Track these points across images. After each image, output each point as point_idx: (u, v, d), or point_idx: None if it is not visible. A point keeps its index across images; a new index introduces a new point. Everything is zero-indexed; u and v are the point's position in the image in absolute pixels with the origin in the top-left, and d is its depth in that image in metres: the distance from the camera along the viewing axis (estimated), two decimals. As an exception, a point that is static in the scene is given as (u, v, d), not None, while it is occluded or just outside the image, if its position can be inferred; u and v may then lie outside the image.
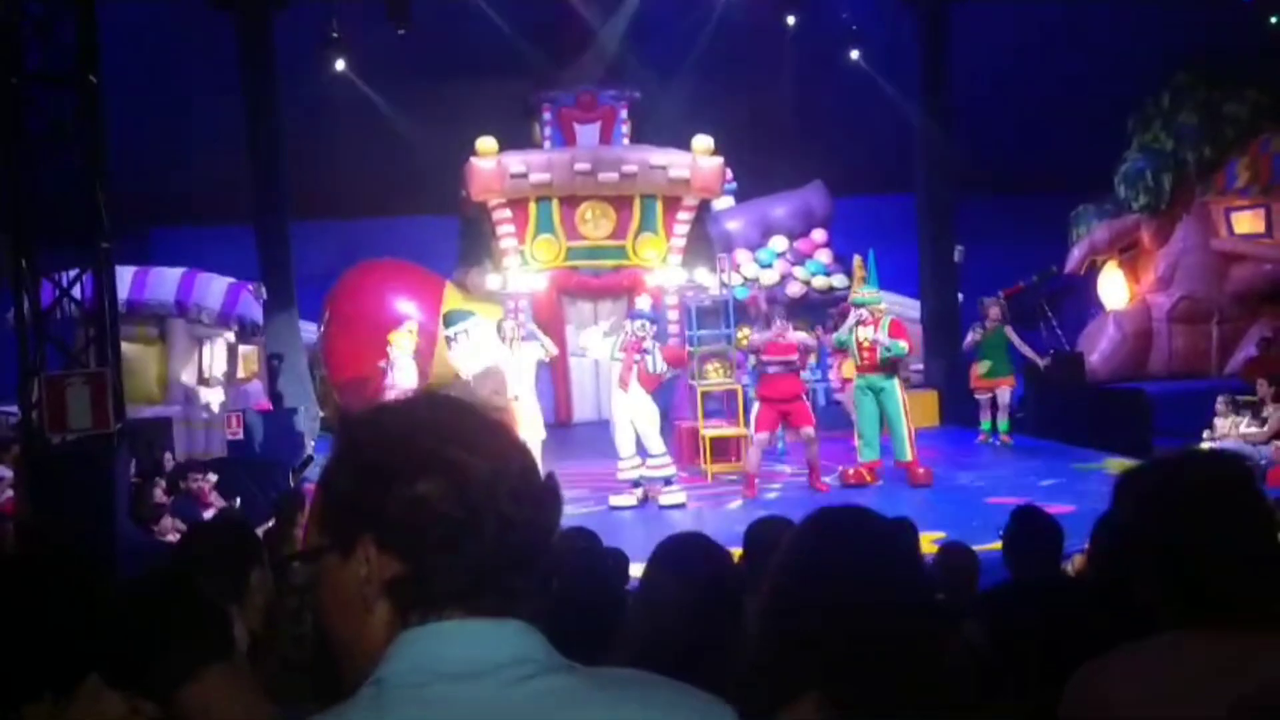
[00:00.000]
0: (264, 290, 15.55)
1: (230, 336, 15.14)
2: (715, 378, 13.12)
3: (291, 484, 11.69)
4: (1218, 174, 18.04)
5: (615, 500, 11.24)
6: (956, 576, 5.03)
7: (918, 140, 17.88)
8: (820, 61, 19.39)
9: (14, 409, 10.66)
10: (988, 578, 5.10)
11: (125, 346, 11.42)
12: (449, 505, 1.16)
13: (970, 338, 14.34)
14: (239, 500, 11.24)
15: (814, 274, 18.82)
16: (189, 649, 1.93)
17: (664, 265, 17.73)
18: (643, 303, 12.17)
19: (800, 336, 11.81)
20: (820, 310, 17.35)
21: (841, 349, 12.07)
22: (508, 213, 17.59)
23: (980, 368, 14.18)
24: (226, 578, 2.58)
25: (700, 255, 17.99)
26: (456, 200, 18.31)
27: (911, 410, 12.09)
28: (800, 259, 19.06)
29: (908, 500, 10.60)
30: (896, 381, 11.71)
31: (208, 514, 10.15)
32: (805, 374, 12.74)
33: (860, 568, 1.59)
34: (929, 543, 6.75)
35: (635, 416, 11.12)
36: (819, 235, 19.29)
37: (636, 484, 11.32)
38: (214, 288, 14.53)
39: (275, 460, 13.00)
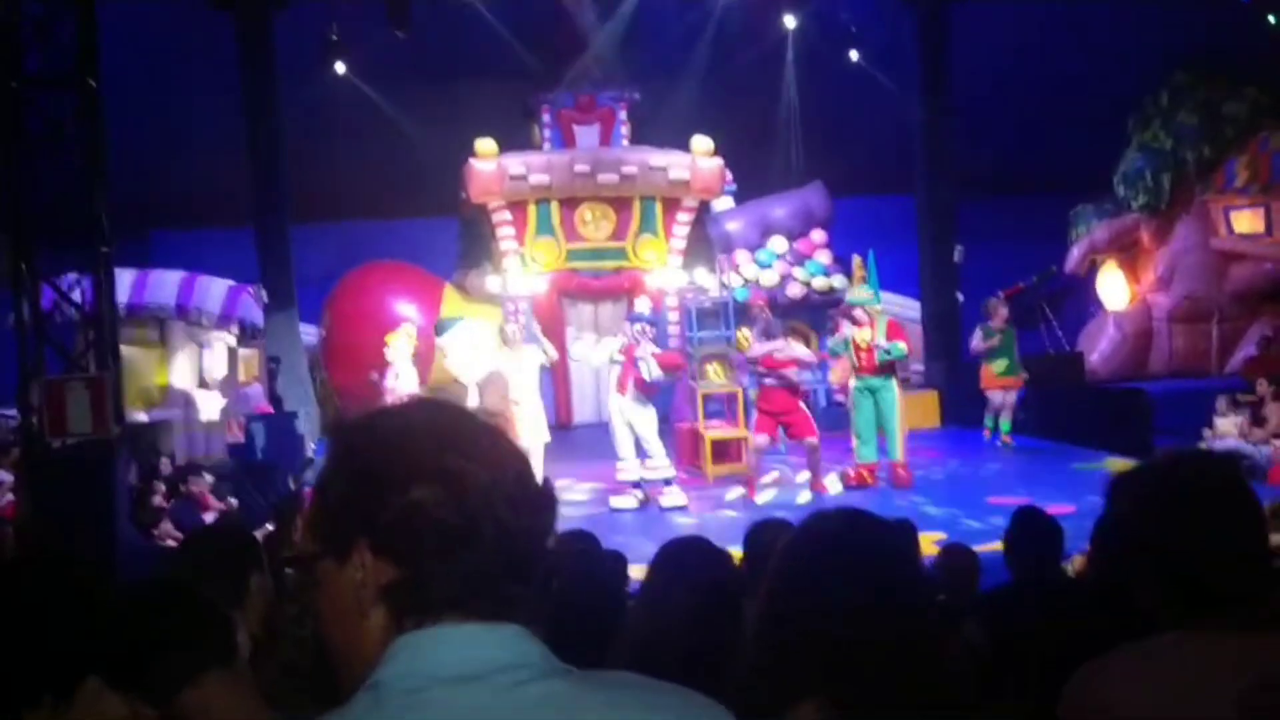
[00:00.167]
0: (264, 293, 15.54)
1: (230, 339, 15.13)
2: (716, 379, 13.09)
3: (292, 487, 11.69)
4: (1217, 173, 18.07)
5: (616, 502, 11.24)
6: (957, 577, 5.03)
7: (917, 140, 17.88)
8: (820, 62, 19.41)
9: (13, 412, 10.66)
10: (988, 578, 5.10)
11: (125, 350, 11.41)
12: (445, 511, 1.15)
13: (981, 340, 14.24)
14: (236, 503, 11.24)
15: (814, 275, 18.81)
16: (190, 653, 1.92)
17: (664, 266, 17.73)
18: (642, 305, 12.16)
19: (798, 352, 11.75)
20: (820, 311, 17.35)
21: (835, 356, 12.04)
22: (507, 214, 17.59)
23: (996, 367, 14.12)
24: (226, 583, 2.58)
25: (700, 256, 18.00)
26: (456, 202, 18.31)
27: (910, 411, 12.05)
28: (800, 260, 19.06)
29: (908, 501, 10.60)
30: (894, 383, 11.70)
31: (208, 518, 10.15)
32: (807, 375, 12.71)
33: (857, 569, 1.58)
34: (930, 544, 6.76)
35: (633, 419, 11.12)
36: (819, 236, 19.28)
37: (637, 485, 11.31)
38: (214, 290, 14.52)
39: (275, 463, 13.00)
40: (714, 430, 12.83)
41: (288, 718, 1.77)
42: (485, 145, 17.27)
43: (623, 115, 18.70)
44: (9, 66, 9.25)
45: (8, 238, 9.31)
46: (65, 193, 9.60)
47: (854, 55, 18.77)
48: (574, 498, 11.48)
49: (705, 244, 18.35)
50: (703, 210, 18.37)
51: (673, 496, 11.19)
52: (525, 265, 17.57)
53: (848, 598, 1.55)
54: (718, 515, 10.80)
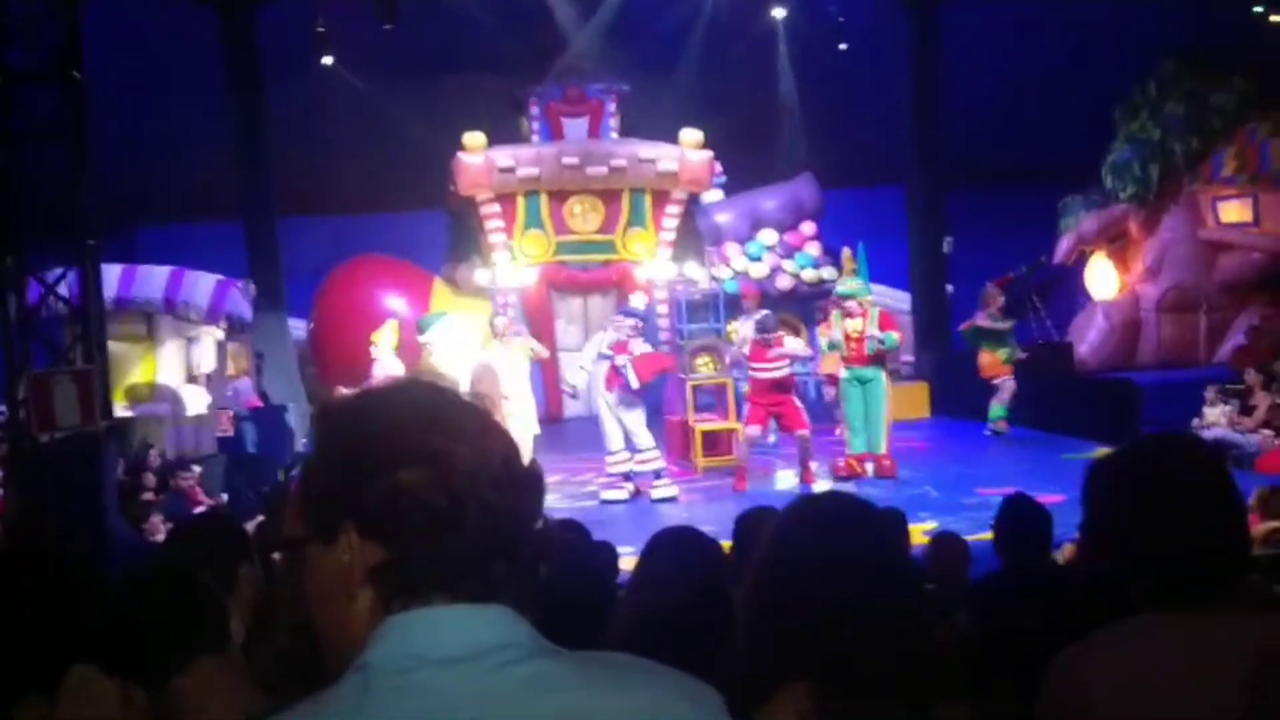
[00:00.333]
0: (253, 287, 15.50)
1: (219, 334, 15.09)
2: (706, 371, 13.09)
3: (281, 480, 11.67)
4: (1205, 163, 18.11)
5: (606, 494, 11.25)
6: (947, 567, 5.04)
7: (907, 132, 17.89)
8: (809, 54, 19.40)
9: (1, 407, 10.62)
10: (979, 568, 5.11)
11: (113, 344, 11.37)
12: (431, 493, 1.15)
13: (988, 321, 14.23)
14: (225, 497, 11.22)
15: (803, 267, 18.83)
16: (184, 639, 1.92)
17: (653, 259, 17.74)
18: (637, 300, 12.15)
19: (791, 348, 11.74)
20: (810, 303, 17.36)
21: (833, 350, 12.03)
22: (496, 207, 17.58)
23: (1000, 354, 14.13)
24: (215, 573, 2.57)
25: (689, 249, 18.01)
26: (444, 195, 18.29)
27: (900, 402, 12.06)
28: (790, 252, 19.08)
29: (898, 491, 10.61)
30: (883, 374, 11.71)
31: (197, 512, 10.12)
32: (798, 367, 12.72)
33: (842, 554, 1.58)
34: (920, 533, 6.76)
35: (620, 414, 11.13)
36: (808, 228, 19.30)
37: (627, 478, 11.31)
38: (202, 285, 14.46)
39: (265, 457, 12.97)
40: (704, 422, 12.84)
41: (281, 704, 1.76)
42: (473, 138, 17.25)
43: (611, 108, 18.70)
44: (-7, 61, 9.21)
45: (-7, 232, 9.27)
46: (51, 187, 9.56)
47: (843, 47, 18.75)
48: (565, 490, 11.49)
49: (695, 236, 18.36)
50: (692, 203, 18.38)
51: (663, 489, 11.20)
52: (514, 258, 17.56)
53: (832, 582, 1.55)
54: (708, 506, 10.81)
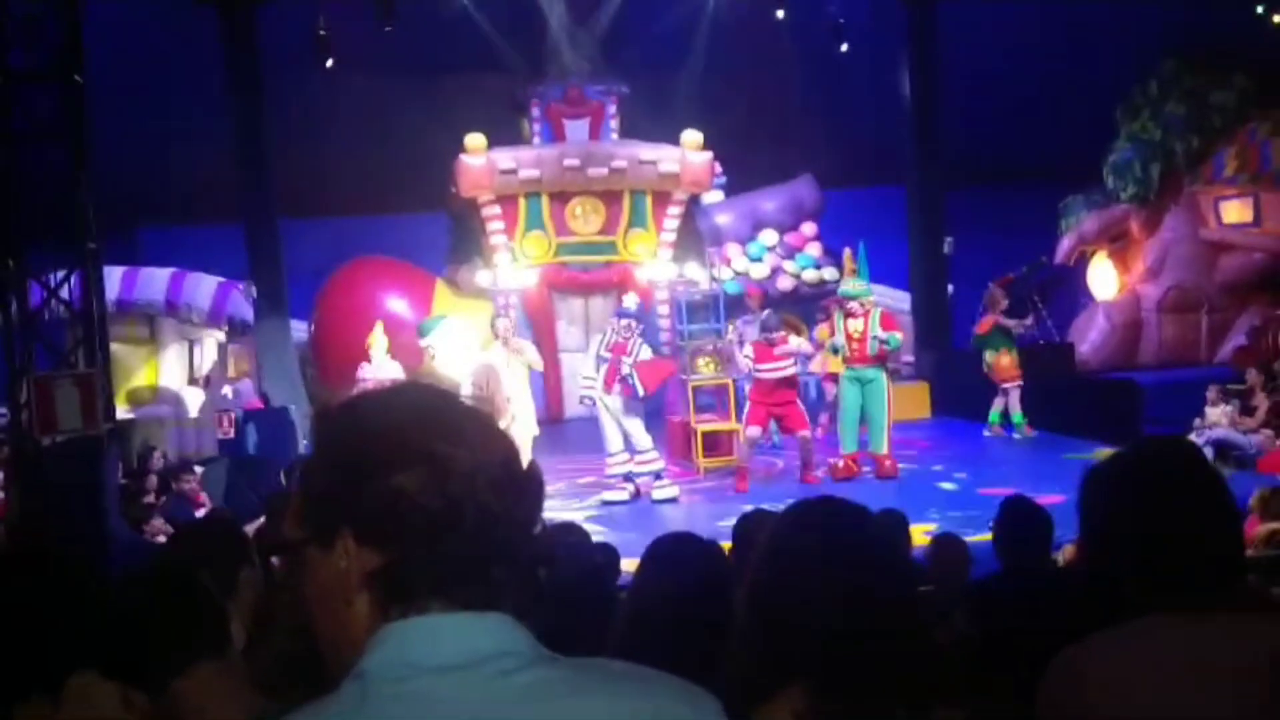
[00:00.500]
0: (254, 289, 15.51)
1: (220, 336, 15.10)
2: (706, 372, 13.09)
3: (283, 482, 11.66)
4: (1206, 163, 18.12)
5: (607, 496, 11.24)
6: (948, 567, 5.04)
7: (907, 132, 17.89)
8: (809, 54, 19.39)
9: (2, 410, 10.63)
10: (979, 569, 5.11)
11: (115, 347, 11.38)
12: (428, 498, 1.14)
13: (995, 319, 14.24)
14: (224, 500, 11.22)
15: (804, 267, 18.83)
16: (184, 642, 1.92)
17: (654, 260, 17.74)
18: (630, 300, 12.12)
19: (794, 346, 11.75)
20: (811, 304, 17.35)
21: (835, 353, 12.02)
22: (497, 209, 17.58)
23: (1004, 359, 14.10)
24: (216, 576, 2.58)
25: (690, 250, 18.01)
26: (446, 197, 18.29)
27: (901, 402, 12.04)
28: (790, 252, 19.08)
29: (897, 492, 10.61)
30: (885, 375, 11.70)
31: (199, 514, 10.13)
32: (797, 368, 12.71)
33: (837, 556, 1.59)
34: (920, 534, 6.76)
35: (620, 416, 11.13)
36: (809, 228, 19.31)
37: (628, 478, 11.31)
38: (203, 287, 14.49)
39: (266, 458, 12.98)
40: (705, 423, 12.84)
41: (281, 708, 1.77)
42: (475, 140, 17.26)
43: (612, 109, 18.70)
44: (-6, 62, 9.21)
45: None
46: (51, 189, 9.56)
47: (843, 48, 18.75)
48: (565, 491, 11.49)
49: (695, 237, 18.36)
50: (693, 204, 18.38)
51: (664, 489, 11.20)
52: (515, 259, 17.56)
53: (828, 584, 1.56)
54: (709, 507, 10.81)
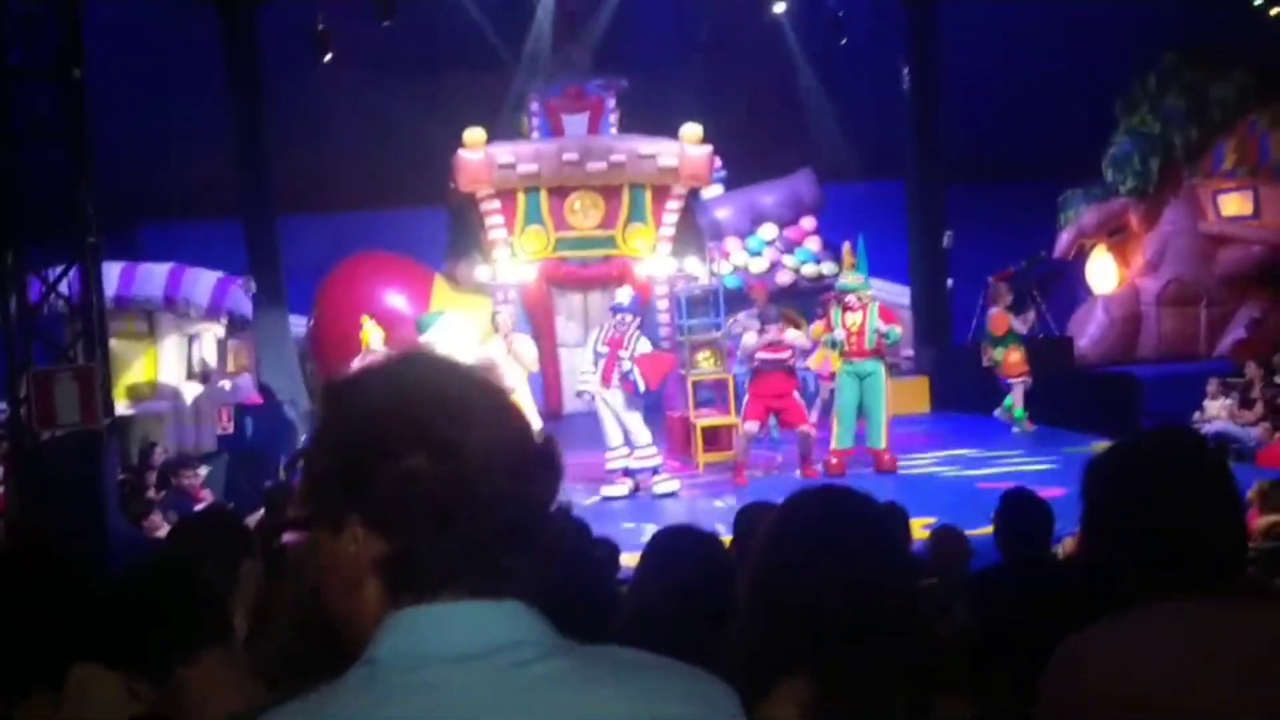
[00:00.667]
0: (253, 284, 15.51)
1: (219, 331, 15.09)
2: (706, 367, 13.09)
3: (282, 477, 11.68)
4: (1205, 156, 18.10)
5: (607, 490, 11.25)
6: (948, 560, 5.05)
7: (906, 126, 17.88)
8: (809, 48, 19.39)
9: (2, 405, 10.62)
10: (979, 562, 5.12)
11: (114, 342, 11.37)
12: (437, 483, 1.09)
13: (1008, 317, 14.28)
14: (224, 495, 11.23)
15: (803, 262, 18.83)
16: (187, 632, 1.93)
17: (653, 255, 17.74)
18: (623, 295, 12.11)
19: (793, 337, 11.76)
20: (810, 298, 17.36)
21: (833, 347, 12.01)
22: (496, 204, 17.58)
23: (1014, 354, 14.12)
24: (217, 569, 2.58)
25: (689, 244, 18.00)
26: (444, 192, 18.28)
27: (901, 397, 12.03)
28: (790, 247, 19.08)
29: (897, 486, 10.60)
30: (883, 368, 11.69)
31: (199, 508, 10.14)
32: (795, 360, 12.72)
33: (840, 546, 1.59)
34: (920, 528, 6.76)
35: (618, 410, 11.14)
36: (808, 223, 19.30)
37: (628, 473, 11.32)
38: (202, 282, 14.46)
39: (266, 452, 12.98)
40: (705, 418, 12.84)
41: (284, 698, 1.77)
42: (473, 135, 17.25)
43: (611, 103, 18.68)
44: (-7, 59, 9.20)
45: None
46: (51, 185, 9.55)
47: (842, 42, 18.73)
48: (565, 486, 11.47)
49: (695, 232, 18.36)
50: (692, 198, 18.37)
51: (664, 483, 11.22)
52: (514, 254, 17.56)
53: (831, 575, 1.56)
54: (708, 502, 10.82)
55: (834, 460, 11.65)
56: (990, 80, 18.26)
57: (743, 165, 19.40)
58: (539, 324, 17.31)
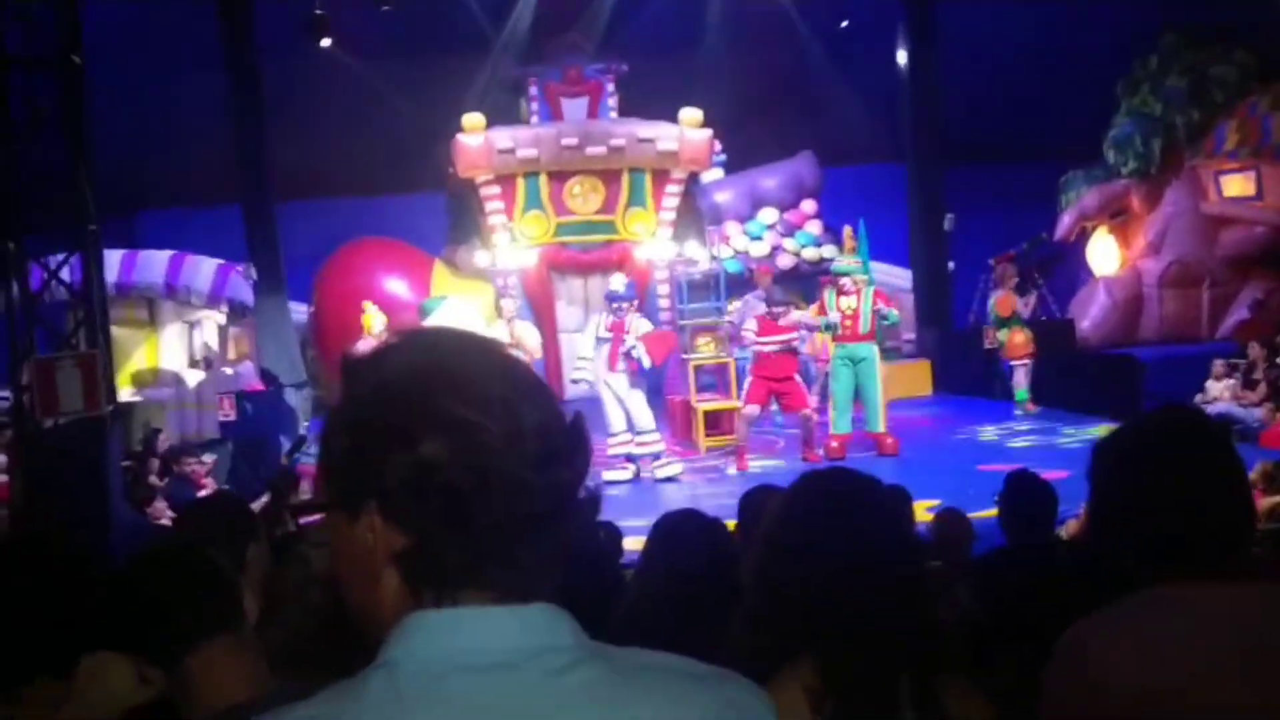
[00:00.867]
0: (253, 271, 15.51)
1: (220, 318, 15.10)
2: (707, 351, 13.09)
3: (285, 462, 11.69)
4: (1207, 137, 18.04)
5: (609, 475, 11.26)
6: (951, 543, 5.05)
7: (907, 109, 17.85)
8: (809, 31, 19.32)
9: (5, 393, 10.63)
10: (983, 545, 5.12)
11: (115, 329, 11.38)
12: (455, 470, 1.02)
13: (1013, 300, 14.29)
14: (226, 481, 11.25)
15: (804, 245, 18.81)
16: (198, 617, 1.93)
17: (653, 239, 17.71)
18: (616, 283, 12.09)
19: (798, 317, 11.76)
20: (811, 281, 17.34)
21: (828, 330, 12.01)
22: (496, 189, 17.54)
23: (1019, 336, 14.12)
24: (223, 554, 2.58)
25: (690, 228, 17.97)
26: (444, 177, 18.25)
27: (902, 380, 12.03)
28: (790, 230, 19.05)
29: (900, 469, 10.61)
30: (877, 352, 11.67)
31: (204, 493, 10.15)
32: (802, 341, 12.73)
33: (845, 528, 1.59)
34: (923, 510, 6.77)
35: (622, 394, 11.15)
36: (809, 206, 19.27)
37: (630, 458, 11.34)
38: (203, 269, 14.49)
39: (268, 439, 13.00)
40: (706, 402, 12.85)
41: (293, 684, 1.77)
42: (472, 119, 17.20)
43: (610, 87, 18.63)
44: (-9, 46, 9.17)
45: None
46: (51, 173, 9.53)
47: (843, 24, 18.69)
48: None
49: (695, 216, 18.33)
50: (692, 182, 18.33)
51: (666, 467, 11.23)
52: (514, 240, 17.53)
53: (835, 557, 1.56)
54: (710, 486, 10.84)
55: (834, 444, 11.66)
56: (991, 61, 18.20)
57: (743, 149, 19.36)
58: (539, 309, 17.30)
